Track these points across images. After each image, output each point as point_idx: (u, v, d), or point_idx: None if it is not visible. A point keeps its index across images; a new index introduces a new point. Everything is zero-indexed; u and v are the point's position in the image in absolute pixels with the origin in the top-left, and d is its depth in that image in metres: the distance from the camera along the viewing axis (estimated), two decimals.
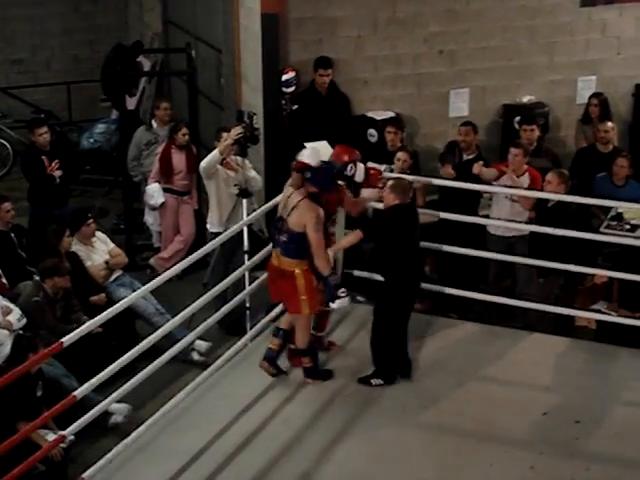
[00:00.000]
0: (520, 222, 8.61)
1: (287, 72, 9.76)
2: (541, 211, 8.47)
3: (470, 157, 9.36)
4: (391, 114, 10.11)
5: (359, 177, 7.35)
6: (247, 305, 8.30)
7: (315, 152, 7.32)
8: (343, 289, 7.27)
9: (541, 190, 8.48)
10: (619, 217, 9.04)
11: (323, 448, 6.74)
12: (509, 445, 6.76)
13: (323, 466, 6.58)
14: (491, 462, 6.59)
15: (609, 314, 8.26)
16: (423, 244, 7.85)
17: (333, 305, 7.32)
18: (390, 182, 7.35)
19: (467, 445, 6.78)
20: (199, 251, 7.55)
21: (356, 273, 8.69)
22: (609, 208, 9.20)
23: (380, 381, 7.39)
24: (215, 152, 8.50)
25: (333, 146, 8.42)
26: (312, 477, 6.48)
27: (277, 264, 7.27)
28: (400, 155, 9.07)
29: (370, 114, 10.09)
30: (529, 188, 8.65)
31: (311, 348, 7.48)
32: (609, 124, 10.01)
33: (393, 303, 7.36)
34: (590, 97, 10.66)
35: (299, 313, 7.30)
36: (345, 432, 6.93)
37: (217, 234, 8.14)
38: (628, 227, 8.87)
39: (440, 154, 9.70)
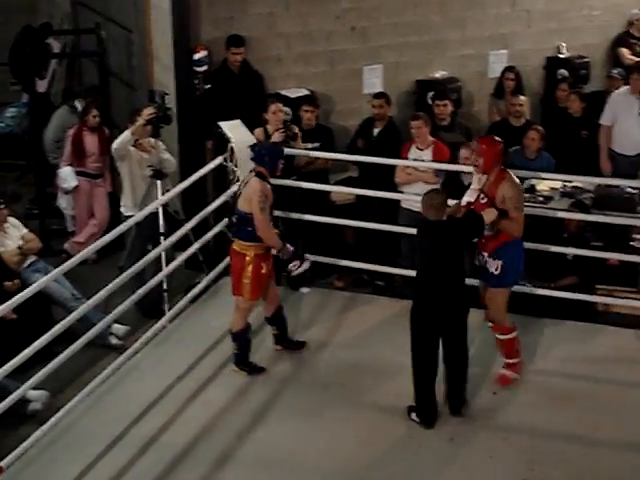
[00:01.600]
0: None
1: (199, 51, 9.66)
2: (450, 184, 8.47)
3: (380, 128, 9.40)
4: (305, 92, 10.07)
5: None
6: (164, 287, 8.25)
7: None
8: (294, 262, 7.29)
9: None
10: (532, 189, 9.15)
11: (244, 429, 6.74)
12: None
13: (244, 446, 6.58)
14: (411, 435, 6.66)
15: (524, 285, 8.34)
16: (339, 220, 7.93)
17: (294, 273, 7.38)
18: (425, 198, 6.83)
19: (386, 420, 6.83)
20: (111, 232, 7.46)
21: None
22: (522, 181, 9.31)
23: (415, 417, 6.85)
24: (127, 133, 8.40)
25: (247, 125, 8.44)
26: (233, 457, 6.48)
27: (233, 245, 7.33)
28: None
29: (284, 92, 10.03)
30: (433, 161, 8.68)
31: (241, 335, 7.39)
32: (522, 98, 10.10)
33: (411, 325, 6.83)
34: (504, 71, 10.74)
35: (240, 295, 7.29)
36: (266, 412, 6.95)
37: (131, 217, 8.04)
38: (541, 199, 8.98)
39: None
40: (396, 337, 7.74)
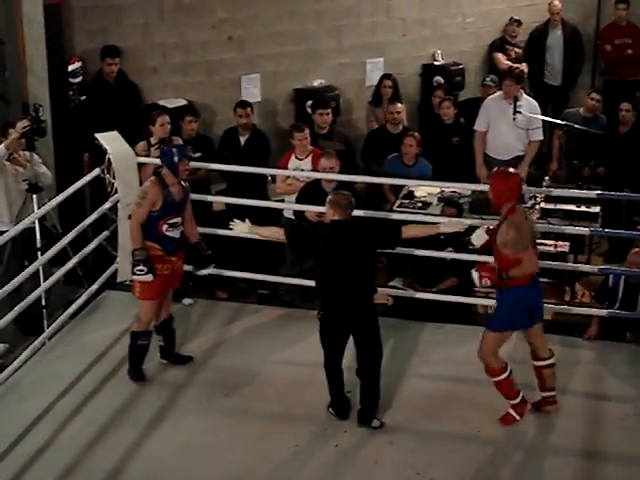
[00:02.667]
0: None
1: (73, 62, 9.54)
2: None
3: (247, 137, 9.48)
4: (183, 102, 10.04)
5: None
6: (43, 303, 8.10)
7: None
8: (141, 267, 7.10)
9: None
10: (410, 195, 9.27)
11: (130, 443, 6.65)
12: (314, 425, 6.84)
13: (130, 462, 6.48)
14: (297, 443, 6.65)
15: (405, 290, 8.45)
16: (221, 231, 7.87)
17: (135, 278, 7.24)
18: (330, 197, 6.80)
19: (273, 429, 6.82)
20: None
21: None
22: (400, 189, 9.44)
23: (332, 411, 6.97)
24: (1, 147, 8.22)
25: (124, 136, 8.35)
26: (120, 474, 6.37)
27: None
28: None
29: (162, 102, 9.98)
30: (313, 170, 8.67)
31: (135, 338, 7.32)
32: (399, 105, 10.24)
33: (320, 333, 6.84)
34: (381, 79, 10.85)
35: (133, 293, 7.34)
36: (152, 426, 6.85)
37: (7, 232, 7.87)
38: (420, 205, 9.11)
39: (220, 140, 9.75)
40: (282, 347, 7.80)
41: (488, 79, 10.84)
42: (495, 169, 6.98)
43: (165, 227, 7.13)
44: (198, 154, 9.12)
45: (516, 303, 6.62)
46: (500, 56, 11.61)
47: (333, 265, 6.61)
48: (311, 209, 8.19)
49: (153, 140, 8.62)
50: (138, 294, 7.21)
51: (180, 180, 7.18)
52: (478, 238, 6.75)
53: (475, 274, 6.63)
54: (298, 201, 8.41)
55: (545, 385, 6.97)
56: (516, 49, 11.69)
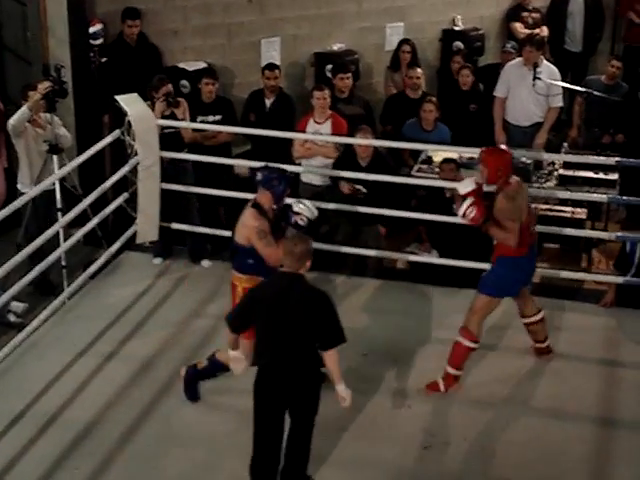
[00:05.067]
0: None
1: (94, 24, 9.54)
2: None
3: (272, 100, 9.49)
4: (203, 65, 10.04)
5: None
6: (63, 263, 8.17)
7: None
8: None
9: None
10: (429, 161, 9.28)
11: (148, 403, 6.72)
12: (329, 388, 6.87)
13: (149, 421, 6.57)
14: None
15: (422, 254, 8.49)
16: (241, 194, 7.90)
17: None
18: (284, 240, 5.91)
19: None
20: (6, 208, 7.29)
21: (175, 226, 8.67)
22: (419, 153, 9.45)
23: None
24: (24, 109, 8.24)
25: (144, 98, 8.37)
26: (138, 432, 6.45)
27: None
28: None
29: (182, 65, 9.99)
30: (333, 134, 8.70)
31: (216, 369, 6.67)
32: (418, 70, 10.21)
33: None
34: (400, 44, 10.82)
35: None
36: (171, 386, 6.91)
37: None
38: (438, 170, 9.11)
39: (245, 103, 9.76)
40: None
41: (509, 45, 10.79)
42: (484, 148, 6.98)
43: None
44: (218, 116, 9.16)
45: (514, 272, 6.74)
46: (517, 25, 11.54)
47: (272, 325, 5.56)
48: (339, 174, 8.32)
49: (157, 96, 8.57)
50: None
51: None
52: (464, 186, 6.70)
53: (468, 202, 6.62)
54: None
55: (537, 337, 7.20)
56: (533, 14, 11.60)
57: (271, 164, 6.86)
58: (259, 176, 6.53)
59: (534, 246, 6.92)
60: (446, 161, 8.65)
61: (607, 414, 6.71)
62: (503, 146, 7.01)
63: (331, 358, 5.57)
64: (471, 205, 6.60)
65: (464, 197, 6.65)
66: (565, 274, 8.20)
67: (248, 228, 6.40)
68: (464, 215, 6.63)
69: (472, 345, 6.83)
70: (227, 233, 8.37)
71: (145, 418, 6.60)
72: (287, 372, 5.54)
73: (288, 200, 6.69)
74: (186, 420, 6.60)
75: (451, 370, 6.85)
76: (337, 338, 5.56)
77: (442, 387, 6.87)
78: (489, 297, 6.82)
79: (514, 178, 6.76)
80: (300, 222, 6.49)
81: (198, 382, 6.76)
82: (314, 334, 5.53)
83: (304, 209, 6.53)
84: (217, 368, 6.65)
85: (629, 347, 7.52)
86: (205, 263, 8.65)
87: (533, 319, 7.13)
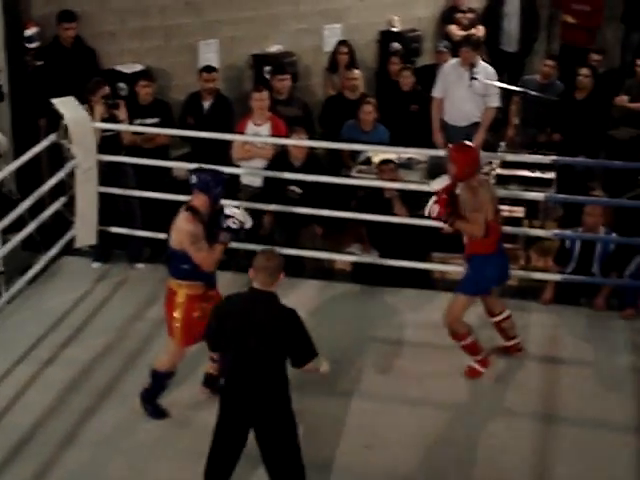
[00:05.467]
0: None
1: (30, 27, 9.44)
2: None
3: (211, 102, 9.46)
4: (140, 67, 9.98)
5: None
6: (1, 269, 8.06)
7: None
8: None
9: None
10: (368, 161, 9.31)
11: (87, 408, 6.68)
12: None
13: (89, 426, 6.52)
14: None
15: (362, 255, 8.51)
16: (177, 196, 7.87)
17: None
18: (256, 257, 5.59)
19: None
20: None
21: (113, 230, 8.62)
22: (358, 154, 9.48)
23: None
24: None
25: (81, 101, 8.30)
26: (79, 438, 6.41)
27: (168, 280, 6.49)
28: None
29: (119, 68, 9.92)
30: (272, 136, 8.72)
31: (161, 377, 6.55)
32: (356, 71, 10.25)
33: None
34: (338, 45, 10.85)
35: (170, 337, 6.52)
36: (110, 391, 6.89)
37: None
38: (376, 170, 9.13)
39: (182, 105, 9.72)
40: None
41: (441, 45, 10.87)
42: (451, 145, 7.05)
43: None
44: (156, 119, 9.12)
45: (487, 269, 6.84)
46: (452, 27, 11.57)
47: (238, 342, 5.44)
48: (275, 175, 8.32)
49: (94, 99, 8.50)
50: (179, 341, 6.44)
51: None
52: (438, 183, 6.80)
53: (432, 200, 6.74)
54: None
55: (507, 335, 7.29)
56: (468, 15, 11.66)
57: (206, 166, 6.74)
58: (194, 179, 6.36)
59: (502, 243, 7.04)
60: (385, 162, 8.69)
61: (548, 411, 6.78)
62: (469, 142, 7.06)
63: (307, 370, 5.54)
64: (435, 202, 6.70)
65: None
66: None
67: (181, 232, 6.26)
68: (430, 212, 6.74)
69: (470, 339, 6.97)
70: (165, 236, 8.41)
71: (85, 424, 6.54)
72: (251, 390, 5.42)
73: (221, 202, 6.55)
74: (126, 426, 6.55)
75: (477, 357, 7.07)
76: (308, 354, 5.48)
77: (480, 369, 7.07)
78: (467, 296, 6.90)
79: (479, 175, 6.89)
80: (232, 225, 6.34)
81: (154, 400, 6.63)
82: (282, 353, 5.41)
83: (237, 213, 6.41)
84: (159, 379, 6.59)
85: (568, 343, 7.61)
86: (140, 266, 8.61)
87: (503, 316, 7.21)
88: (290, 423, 5.52)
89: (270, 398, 5.44)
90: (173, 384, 6.71)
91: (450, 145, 7.07)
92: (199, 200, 6.33)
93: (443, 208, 6.70)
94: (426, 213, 6.82)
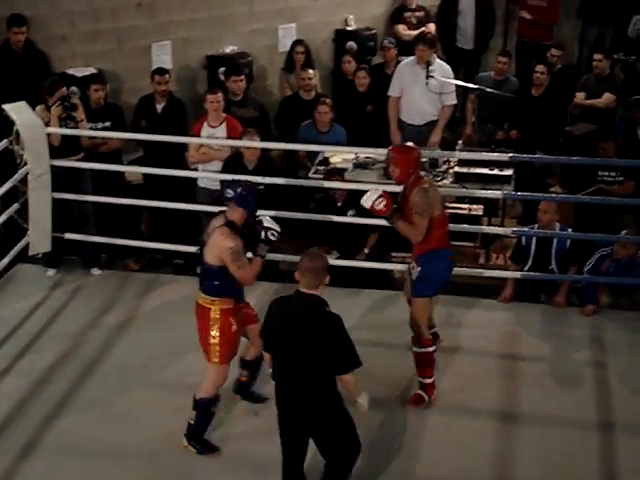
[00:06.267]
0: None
1: None
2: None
3: (163, 104, 9.35)
4: (92, 70, 9.85)
5: None
6: None
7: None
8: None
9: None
10: (326, 162, 9.26)
11: (46, 418, 6.60)
12: (233, 394, 6.83)
13: (48, 435, 6.45)
14: (216, 413, 6.62)
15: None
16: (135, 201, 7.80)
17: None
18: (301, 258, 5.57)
19: (190, 400, 6.74)
20: None
21: (68, 236, 8.50)
22: (315, 155, 9.42)
23: None
24: None
25: (33, 106, 8.19)
26: (37, 447, 6.33)
27: (197, 297, 6.35)
28: None
29: (70, 71, 9.76)
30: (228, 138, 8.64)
31: (206, 405, 6.32)
32: (310, 71, 10.17)
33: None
34: (293, 45, 10.78)
35: (208, 360, 6.30)
36: (68, 399, 6.81)
37: None
38: (335, 171, 9.08)
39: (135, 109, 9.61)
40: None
41: (386, 41, 10.87)
42: (391, 147, 7.02)
43: None
44: (107, 123, 9.02)
45: (440, 263, 6.73)
46: (400, 27, 11.51)
47: (284, 344, 5.46)
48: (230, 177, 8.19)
49: (51, 100, 8.39)
50: (218, 359, 6.23)
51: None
52: (368, 200, 6.64)
53: (376, 193, 6.62)
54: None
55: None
56: (416, 13, 11.62)
57: (242, 179, 6.56)
58: (230, 192, 6.16)
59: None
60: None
61: (508, 409, 6.77)
62: (410, 143, 7.00)
63: (346, 382, 5.49)
64: (380, 197, 6.58)
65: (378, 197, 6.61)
66: (464, 271, 8.25)
67: (222, 249, 6.04)
68: (372, 206, 6.60)
69: (431, 349, 6.79)
70: (122, 242, 8.37)
71: (42, 433, 6.46)
72: (301, 392, 5.42)
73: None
74: (84, 434, 6.47)
75: (427, 380, 6.82)
76: (351, 363, 5.45)
77: (426, 398, 6.81)
78: (425, 298, 6.80)
79: (423, 176, 6.81)
80: (271, 237, 6.25)
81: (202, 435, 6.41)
82: (326, 358, 5.38)
83: (273, 223, 6.30)
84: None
85: (528, 341, 7.62)
86: (96, 272, 8.52)
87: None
88: (344, 422, 5.53)
89: (319, 400, 5.43)
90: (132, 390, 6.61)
91: (390, 148, 6.99)
92: (236, 214, 6.15)
93: (388, 206, 6.58)
94: (367, 206, 6.64)
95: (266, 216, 6.39)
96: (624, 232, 8.04)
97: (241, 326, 6.32)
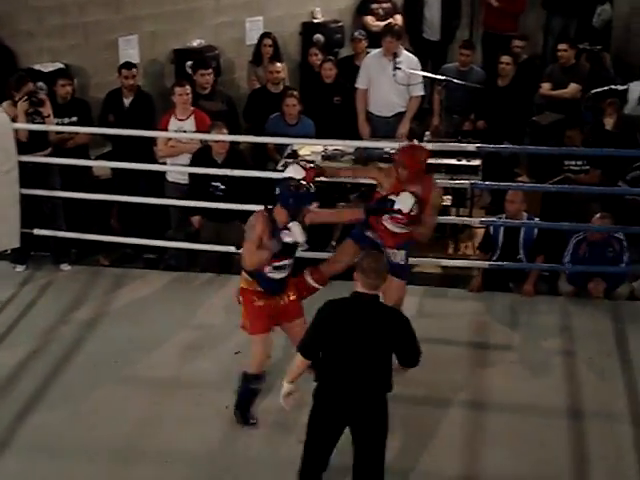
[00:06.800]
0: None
1: None
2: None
3: (131, 99, 9.32)
4: (59, 65, 9.80)
5: None
6: None
7: None
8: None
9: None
10: (294, 154, 9.26)
11: (17, 415, 6.56)
12: (204, 388, 6.84)
13: (20, 433, 6.41)
14: (187, 408, 6.64)
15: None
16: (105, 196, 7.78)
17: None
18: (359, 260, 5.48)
19: (162, 394, 6.79)
20: None
21: (37, 232, 8.48)
22: (284, 148, 9.43)
23: None
24: None
25: (3, 98, 8.17)
26: (9, 445, 6.30)
27: None
28: None
29: (37, 67, 9.71)
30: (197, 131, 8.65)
31: (248, 382, 6.43)
32: (278, 64, 10.16)
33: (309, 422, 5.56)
34: (261, 37, 10.77)
35: (245, 329, 6.43)
36: (39, 396, 6.78)
37: None
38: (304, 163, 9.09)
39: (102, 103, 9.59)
40: (170, 311, 7.75)
41: (357, 33, 10.91)
42: (405, 143, 7.17)
43: (268, 268, 6.27)
44: (74, 118, 8.99)
45: None
46: (369, 19, 11.55)
47: (341, 348, 5.33)
48: (200, 171, 8.24)
49: (18, 96, 8.36)
50: (249, 329, 6.37)
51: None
52: (405, 204, 6.49)
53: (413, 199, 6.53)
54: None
55: None
56: (383, 5, 11.64)
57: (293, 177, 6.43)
58: (277, 190, 6.26)
59: None
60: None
61: (478, 397, 6.81)
62: (415, 141, 7.10)
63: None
64: (415, 203, 6.49)
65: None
66: (433, 261, 8.30)
67: (249, 225, 6.20)
68: (409, 211, 6.49)
69: None
70: (92, 237, 8.34)
71: (13, 430, 6.43)
72: (357, 393, 5.33)
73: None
74: (55, 430, 6.45)
75: None
76: (418, 353, 5.46)
77: None
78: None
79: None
80: (285, 237, 6.15)
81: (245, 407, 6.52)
82: (391, 354, 5.36)
83: (295, 227, 6.17)
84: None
85: (497, 330, 7.67)
86: (65, 267, 8.50)
87: None
88: (386, 424, 5.47)
89: (374, 399, 5.38)
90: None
91: (399, 150, 7.03)
92: (279, 212, 6.22)
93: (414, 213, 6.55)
94: (405, 210, 6.49)
95: (297, 224, 6.26)
96: (597, 215, 8.08)
97: (267, 310, 6.30)
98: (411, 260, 7.42)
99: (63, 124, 8.85)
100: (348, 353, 5.30)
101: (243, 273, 6.32)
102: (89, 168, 9.12)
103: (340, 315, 5.36)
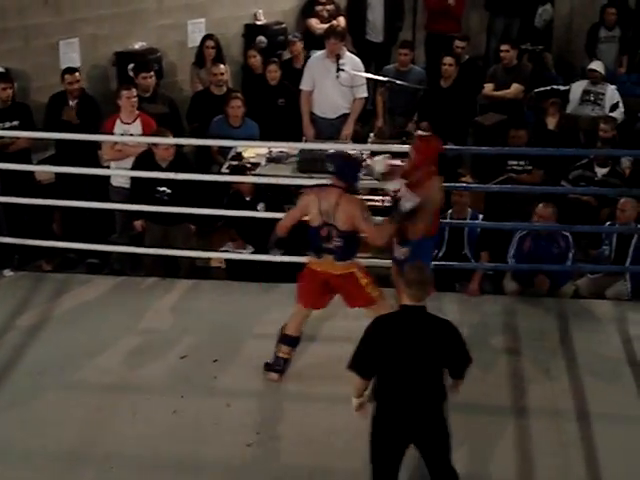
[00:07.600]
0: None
1: None
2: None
3: (75, 102, 9.24)
4: (0, 69, 9.69)
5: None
6: None
7: None
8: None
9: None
10: (239, 157, 9.24)
11: None
12: (150, 393, 6.79)
13: None
14: (134, 412, 6.59)
15: (236, 252, 8.47)
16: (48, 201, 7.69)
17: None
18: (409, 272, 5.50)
19: (108, 399, 6.74)
20: None
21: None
22: (228, 150, 9.40)
23: None
24: None
25: None
26: None
27: (332, 271, 6.65)
28: None
29: None
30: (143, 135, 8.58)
31: (282, 341, 6.92)
32: (222, 66, 10.15)
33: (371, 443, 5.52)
34: (204, 39, 10.73)
35: (374, 303, 6.70)
36: None
37: None
38: (249, 165, 9.08)
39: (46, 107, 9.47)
40: (115, 316, 7.69)
41: (291, 35, 10.99)
42: (419, 133, 7.43)
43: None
44: (15, 122, 8.89)
45: (427, 247, 7.03)
46: (313, 22, 11.53)
47: (395, 365, 5.32)
48: (144, 175, 8.17)
49: None
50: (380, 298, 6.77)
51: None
52: (379, 163, 6.93)
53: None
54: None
55: None
56: (327, 7, 11.63)
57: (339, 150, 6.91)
58: (330, 166, 6.63)
59: None
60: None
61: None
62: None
63: (459, 383, 5.64)
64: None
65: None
66: (378, 262, 8.29)
67: (354, 207, 6.43)
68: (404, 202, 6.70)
69: None
70: (34, 242, 8.24)
71: None
72: (416, 408, 5.32)
73: None
74: (2, 438, 6.37)
75: None
76: (468, 362, 5.51)
77: None
78: None
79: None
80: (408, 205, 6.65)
81: None
82: (444, 365, 5.39)
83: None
84: None
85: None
86: (7, 273, 8.41)
87: None
88: (448, 432, 5.47)
89: (433, 411, 5.37)
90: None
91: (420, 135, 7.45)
92: (338, 185, 6.49)
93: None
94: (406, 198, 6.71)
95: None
96: (541, 205, 8.13)
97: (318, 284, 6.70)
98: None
99: (4, 128, 8.76)
100: (403, 368, 5.30)
101: (350, 262, 6.62)
102: (31, 173, 9.01)
103: (390, 330, 5.39)
